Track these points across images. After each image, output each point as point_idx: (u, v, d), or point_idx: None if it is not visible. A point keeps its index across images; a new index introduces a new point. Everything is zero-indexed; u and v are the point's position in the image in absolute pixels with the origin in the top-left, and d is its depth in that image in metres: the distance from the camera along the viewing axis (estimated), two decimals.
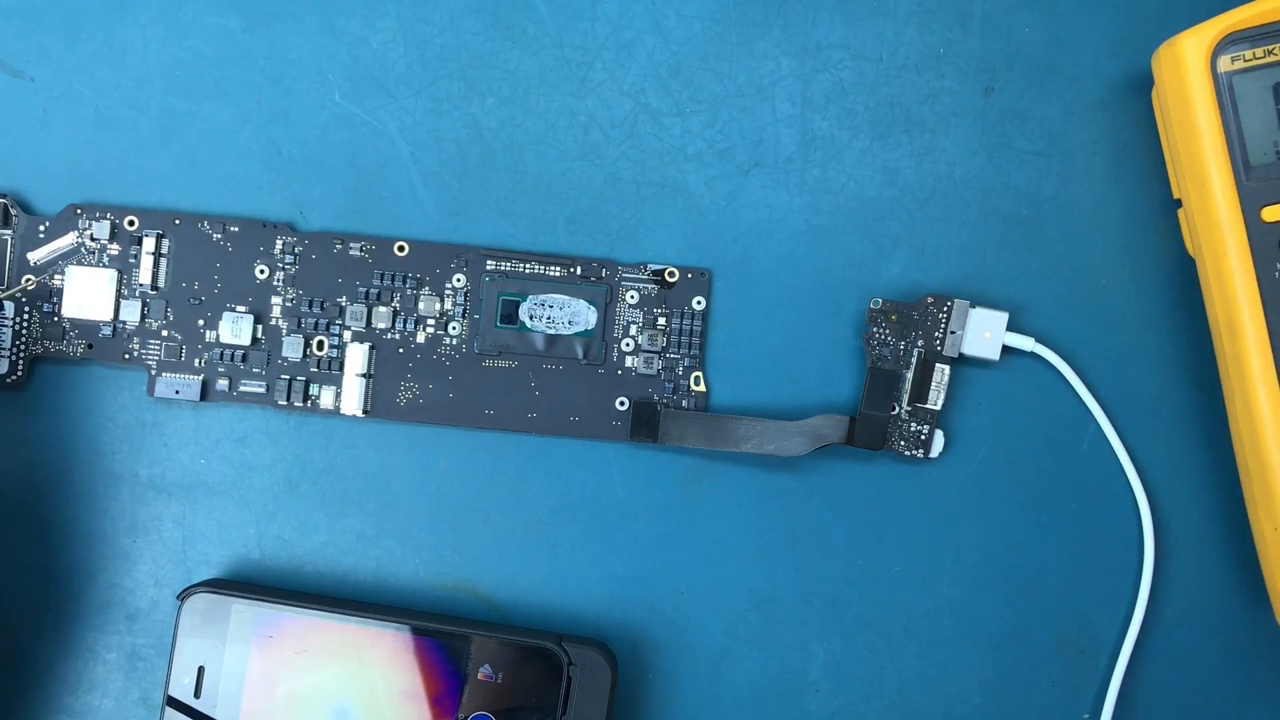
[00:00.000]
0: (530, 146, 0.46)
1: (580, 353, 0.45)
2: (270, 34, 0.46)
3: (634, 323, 0.45)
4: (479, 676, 0.43)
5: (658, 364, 0.45)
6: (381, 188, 0.46)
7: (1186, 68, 0.41)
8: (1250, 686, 0.45)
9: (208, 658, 0.43)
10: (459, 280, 0.45)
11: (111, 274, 0.45)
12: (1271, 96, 0.41)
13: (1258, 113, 0.41)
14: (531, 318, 0.45)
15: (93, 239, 0.45)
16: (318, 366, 0.45)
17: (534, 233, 0.46)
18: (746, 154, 0.46)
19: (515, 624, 0.45)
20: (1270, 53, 0.41)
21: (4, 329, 0.44)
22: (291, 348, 0.45)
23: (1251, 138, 0.41)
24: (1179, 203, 0.44)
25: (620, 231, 0.46)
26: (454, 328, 0.45)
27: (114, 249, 0.45)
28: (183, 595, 0.43)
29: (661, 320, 0.45)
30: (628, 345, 0.45)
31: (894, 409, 0.45)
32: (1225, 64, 0.41)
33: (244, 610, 0.43)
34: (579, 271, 0.45)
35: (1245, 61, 0.41)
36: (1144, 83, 0.46)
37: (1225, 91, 0.41)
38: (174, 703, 0.43)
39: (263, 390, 0.45)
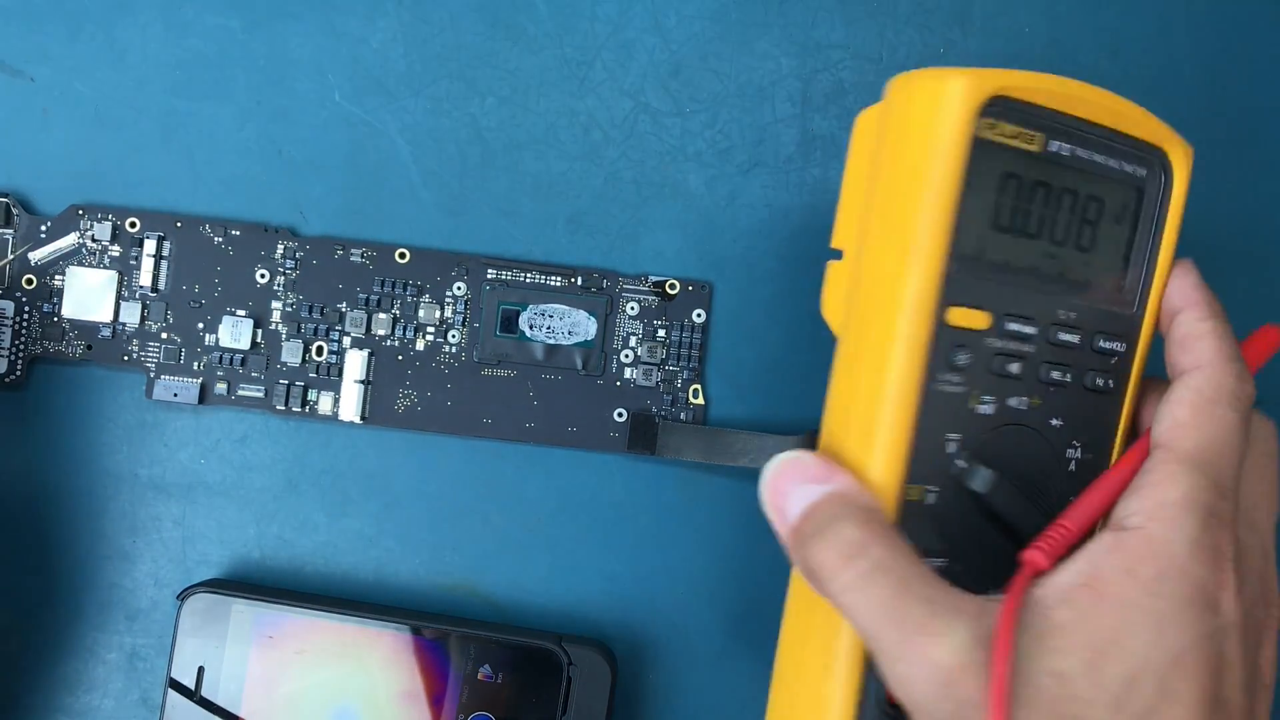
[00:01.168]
0: (530, 146, 0.46)
1: (579, 363, 0.45)
2: (270, 34, 0.46)
3: (633, 334, 0.45)
4: (479, 677, 0.43)
5: (656, 376, 0.45)
6: (381, 187, 0.46)
7: (947, 112, 0.33)
8: None
9: (208, 658, 0.43)
10: (459, 288, 0.45)
11: (112, 275, 0.45)
12: (998, 185, 0.34)
13: (981, 198, 0.34)
14: (531, 327, 0.45)
15: (94, 240, 0.45)
16: (316, 372, 0.45)
17: (534, 232, 0.46)
18: (746, 154, 0.46)
19: (515, 624, 0.45)
20: (1021, 136, 0.34)
21: (4, 328, 0.45)
22: (291, 353, 0.45)
23: (965, 223, 0.33)
24: (836, 254, 0.36)
25: (620, 231, 0.46)
26: (453, 336, 0.45)
27: (115, 250, 0.45)
28: (183, 595, 0.43)
29: (661, 332, 0.45)
30: (627, 356, 0.45)
31: None
32: (982, 128, 0.33)
33: (244, 610, 0.43)
34: (579, 282, 0.45)
35: (998, 135, 0.34)
36: (1145, 83, 0.45)
37: (968, 159, 0.33)
38: (176, 685, 0.43)
39: (261, 395, 0.45)
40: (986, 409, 0.34)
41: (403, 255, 0.45)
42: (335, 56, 0.46)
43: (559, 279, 0.45)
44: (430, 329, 0.45)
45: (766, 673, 0.46)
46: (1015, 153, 0.34)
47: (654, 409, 0.45)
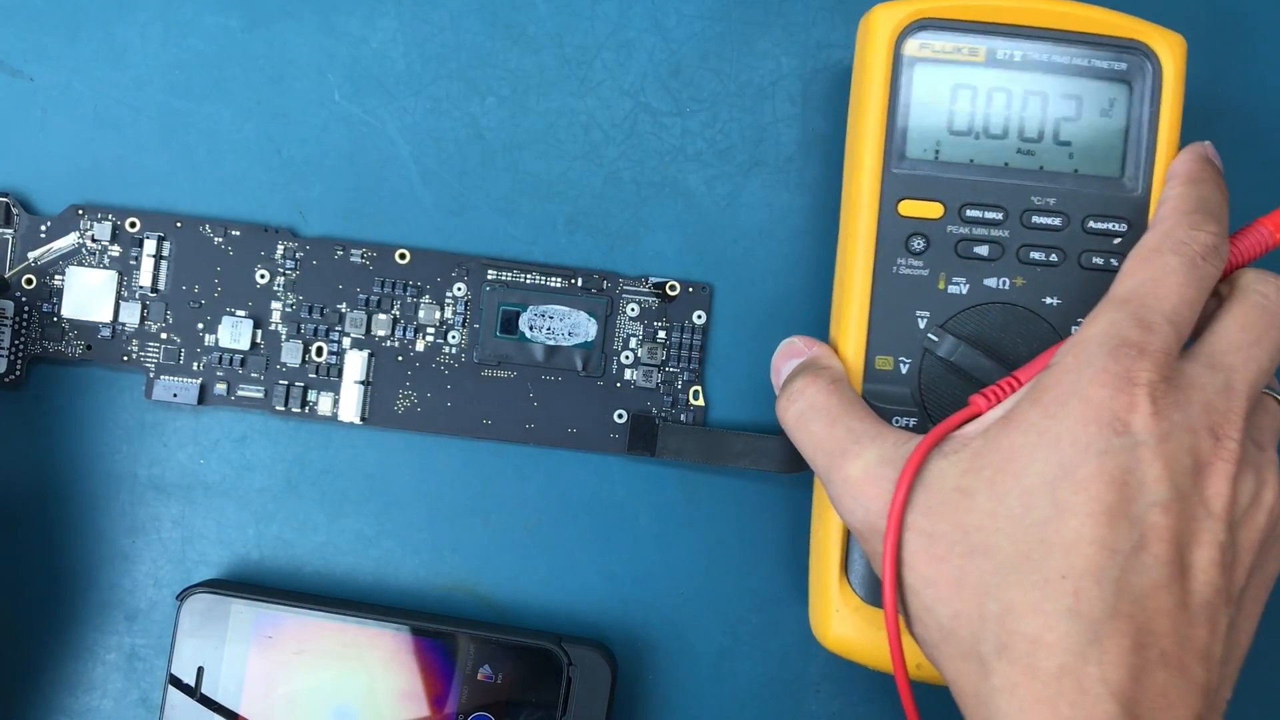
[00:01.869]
0: (530, 146, 0.46)
1: (579, 364, 0.45)
2: (270, 34, 0.46)
3: (634, 335, 0.45)
4: (478, 677, 0.43)
5: (657, 377, 0.45)
6: (381, 187, 0.46)
7: (872, 40, 0.40)
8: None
9: (207, 658, 0.43)
10: (459, 289, 0.45)
11: (112, 275, 0.45)
12: (950, 96, 0.40)
13: (929, 107, 0.40)
14: (531, 328, 0.45)
15: (94, 240, 0.45)
16: (316, 373, 0.45)
17: (533, 232, 0.46)
18: (747, 154, 0.46)
19: (515, 624, 0.45)
20: (959, 50, 0.40)
21: (4, 328, 0.45)
22: (290, 353, 0.45)
23: (915, 130, 0.40)
24: None
25: (620, 231, 0.46)
26: (453, 337, 0.45)
27: (115, 250, 0.45)
28: (182, 595, 0.43)
29: (661, 334, 0.45)
30: (627, 358, 0.45)
31: None
32: (912, 48, 0.40)
33: (243, 611, 0.43)
34: (580, 283, 0.45)
35: (933, 52, 0.40)
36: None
37: (903, 76, 0.40)
38: (176, 684, 0.43)
39: (261, 395, 0.45)
40: (958, 289, 0.40)
41: (403, 256, 0.45)
42: (335, 56, 0.46)
43: (559, 280, 0.45)
44: (430, 330, 0.45)
45: (766, 672, 0.46)
46: (960, 65, 0.40)
47: (654, 410, 0.45)
